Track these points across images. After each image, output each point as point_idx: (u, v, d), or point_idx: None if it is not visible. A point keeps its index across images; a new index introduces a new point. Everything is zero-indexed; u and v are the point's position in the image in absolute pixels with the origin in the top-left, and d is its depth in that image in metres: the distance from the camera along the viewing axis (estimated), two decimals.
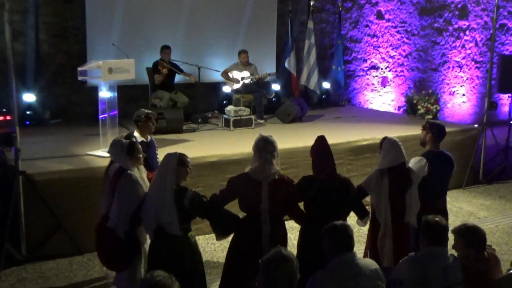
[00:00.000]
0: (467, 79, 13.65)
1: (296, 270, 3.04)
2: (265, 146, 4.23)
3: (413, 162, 4.95)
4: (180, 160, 4.13)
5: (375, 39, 12.79)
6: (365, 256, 4.89)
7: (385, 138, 4.83)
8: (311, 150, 4.61)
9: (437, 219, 3.86)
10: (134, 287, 4.36)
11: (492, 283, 3.71)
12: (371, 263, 3.59)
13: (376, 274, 3.52)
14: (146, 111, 5.71)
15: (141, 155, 4.63)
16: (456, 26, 13.32)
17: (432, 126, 5.26)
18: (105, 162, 6.50)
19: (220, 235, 4.36)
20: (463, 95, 13.70)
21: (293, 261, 3.05)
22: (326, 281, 3.41)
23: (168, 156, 4.17)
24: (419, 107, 10.51)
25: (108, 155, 6.70)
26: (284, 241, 4.37)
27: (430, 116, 10.31)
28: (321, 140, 4.58)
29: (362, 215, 4.69)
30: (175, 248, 4.10)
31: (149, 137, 5.71)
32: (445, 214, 5.06)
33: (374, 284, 3.47)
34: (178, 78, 9.53)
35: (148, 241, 4.39)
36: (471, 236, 3.79)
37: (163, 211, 4.03)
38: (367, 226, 4.86)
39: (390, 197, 4.63)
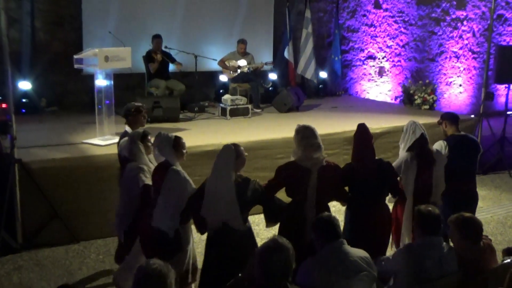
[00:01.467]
0: (464, 69, 13.63)
1: (291, 258, 3.05)
2: (309, 135, 4.34)
3: (435, 147, 5.23)
4: (237, 152, 4.12)
5: (372, 28, 12.76)
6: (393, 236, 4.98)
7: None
8: (353, 137, 4.75)
9: (429, 208, 3.87)
10: None
11: (487, 273, 3.73)
12: (361, 252, 3.61)
13: (366, 262, 3.54)
14: (137, 104, 5.48)
15: (185, 151, 4.45)
16: (453, 16, 13.28)
17: (443, 116, 5.67)
18: (101, 151, 6.53)
19: (272, 223, 4.44)
20: (460, 85, 13.69)
21: (289, 249, 3.06)
22: (316, 267, 3.45)
23: (224, 150, 4.15)
24: (416, 97, 10.52)
25: (104, 143, 6.75)
26: None
27: (426, 107, 10.32)
28: (362, 128, 4.71)
29: (395, 194, 4.94)
30: (239, 242, 4.03)
31: None
32: (473, 196, 5.46)
33: (363, 269, 3.49)
34: (173, 66, 9.50)
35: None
36: (468, 227, 3.79)
37: (225, 207, 4.01)
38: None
39: (417, 177, 4.84)
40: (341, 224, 4.47)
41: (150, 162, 4.65)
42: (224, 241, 4.03)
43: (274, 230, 4.63)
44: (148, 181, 4.45)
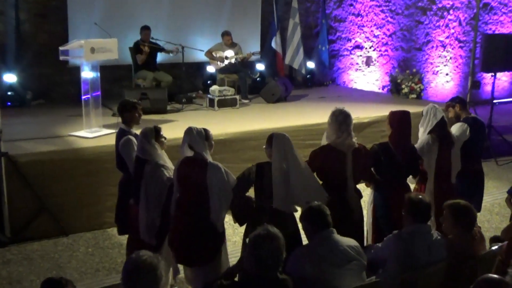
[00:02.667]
0: (450, 58, 13.70)
1: (282, 247, 3.07)
2: (345, 119, 4.45)
3: (456, 128, 5.44)
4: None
5: (359, 18, 12.76)
6: None
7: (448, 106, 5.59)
8: (392, 121, 4.86)
9: (420, 196, 3.90)
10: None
11: (475, 259, 3.76)
12: (350, 240, 3.63)
13: (356, 251, 3.56)
14: (132, 100, 5.32)
15: (213, 142, 4.44)
16: (440, 5, 13.33)
17: (455, 99, 5.91)
18: (89, 143, 6.49)
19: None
20: (447, 74, 13.77)
21: (280, 238, 3.08)
22: (306, 256, 3.46)
23: (278, 138, 4.21)
24: (403, 86, 10.56)
25: (92, 136, 6.71)
26: (361, 207, 4.65)
27: (414, 96, 10.37)
28: (407, 116, 4.86)
29: (416, 175, 5.11)
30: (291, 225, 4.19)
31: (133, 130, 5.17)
32: (482, 175, 5.81)
33: (353, 258, 3.51)
34: (161, 57, 9.44)
35: None
36: (463, 215, 3.81)
37: (306, 189, 4.16)
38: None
39: (438, 159, 5.07)
40: (364, 206, 4.77)
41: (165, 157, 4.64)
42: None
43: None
44: (172, 178, 4.42)
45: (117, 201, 5.14)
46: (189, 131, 4.31)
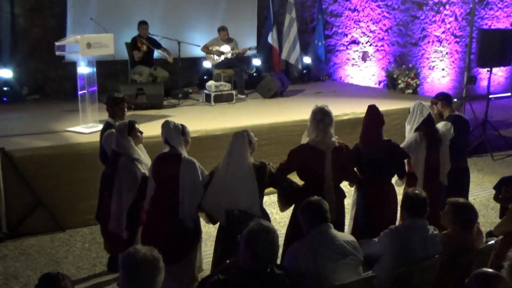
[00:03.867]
0: (446, 53, 13.72)
1: (277, 240, 3.09)
2: (323, 118, 4.38)
3: (439, 127, 5.34)
4: (249, 137, 4.19)
5: (355, 13, 12.76)
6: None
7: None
8: (364, 119, 4.89)
9: (416, 191, 3.91)
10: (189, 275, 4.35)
11: (472, 253, 3.78)
12: (347, 236, 3.65)
13: (352, 246, 3.56)
14: (116, 94, 5.41)
15: (189, 138, 4.45)
16: (436, 0, 13.33)
17: (438, 96, 5.84)
18: (85, 138, 6.49)
19: (286, 206, 4.47)
20: (443, 69, 13.79)
21: (274, 231, 3.10)
22: (302, 250, 3.47)
23: (237, 137, 4.17)
24: (399, 81, 10.57)
25: (88, 131, 6.70)
26: (342, 208, 4.57)
27: (410, 91, 10.37)
28: (373, 109, 4.83)
29: (401, 176, 5.01)
30: None
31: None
32: (468, 174, 5.79)
33: (349, 252, 3.52)
34: (157, 53, 9.42)
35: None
36: (463, 213, 3.85)
37: (243, 193, 4.06)
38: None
39: (426, 157, 5.01)
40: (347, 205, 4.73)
41: (140, 152, 4.67)
42: (240, 229, 3.80)
43: (287, 213, 4.66)
44: (145, 172, 4.47)
45: (99, 192, 5.21)
46: (166, 125, 4.34)
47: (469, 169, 5.87)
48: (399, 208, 4.51)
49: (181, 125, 4.37)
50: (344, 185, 4.73)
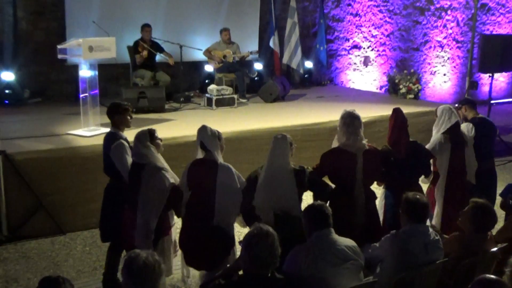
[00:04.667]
0: (448, 58, 13.72)
1: (277, 244, 3.08)
2: (353, 121, 4.47)
3: (462, 128, 5.53)
4: (290, 140, 4.25)
5: (357, 18, 12.77)
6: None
7: (438, 107, 5.50)
8: (389, 121, 4.98)
9: (417, 196, 3.90)
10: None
11: (476, 258, 3.77)
12: (348, 241, 3.63)
13: (353, 251, 3.56)
14: (122, 102, 5.02)
15: (224, 146, 4.42)
16: (438, 6, 13.34)
17: (462, 101, 6.08)
18: (86, 142, 6.48)
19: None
20: (444, 74, 13.78)
21: (274, 236, 3.10)
22: (303, 254, 3.47)
23: (278, 140, 4.22)
24: (400, 86, 10.57)
25: (89, 134, 6.70)
26: (375, 210, 4.65)
27: (411, 96, 10.37)
28: (398, 112, 4.91)
29: (427, 174, 5.24)
30: (298, 230, 3.92)
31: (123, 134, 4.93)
32: (493, 174, 5.96)
33: (350, 257, 3.51)
34: (160, 56, 9.43)
35: None
36: (481, 216, 3.85)
37: (284, 195, 4.11)
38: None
39: (450, 158, 5.23)
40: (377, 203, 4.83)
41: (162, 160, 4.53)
42: (284, 230, 3.75)
43: None
44: (173, 181, 4.36)
45: (102, 207, 4.92)
46: (203, 130, 4.32)
47: (495, 170, 6.05)
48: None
49: (217, 131, 4.37)
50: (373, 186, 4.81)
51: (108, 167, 4.79)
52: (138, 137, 4.40)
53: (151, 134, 4.43)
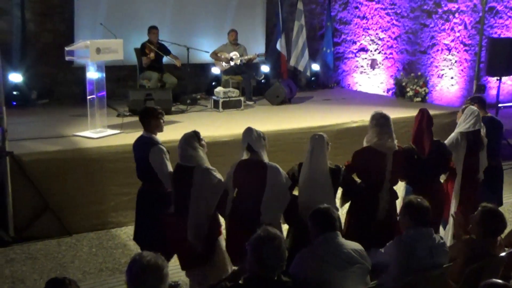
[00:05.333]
0: (455, 62, 13.66)
1: (283, 247, 3.07)
2: (385, 122, 4.67)
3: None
4: (327, 139, 4.38)
5: (364, 21, 12.75)
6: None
7: (467, 106, 5.61)
8: (415, 120, 5.09)
9: (419, 200, 3.88)
10: None
11: (483, 262, 3.75)
12: (354, 244, 3.62)
13: (359, 254, 3.55)
14: (155, 107, 4.99)
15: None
16: (445, 9, 13.29)
17: (474, 99, 6.14)
18: (93, 143, 6.50)
19: (346, 202, 4.73)
20: (452, 78, 13.72)
21: (280, 238, 3.09)
22: (309, 257, 3.46)
23: (316, 139, 4.34)
24: (407, 89, 10.55)
25: (96, 136, 6.72)
26: (395, 208, 4.74)
27: (418, 99, 10.35)
28: (425, 112, 5.02)
29: (445, 171, 5.39)
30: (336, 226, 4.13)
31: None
32: (501, 170, 6.22)
33: (356, 261, 3.50)
34: (167, 58, 9.45)
35: None
36: (491, 220, 3.85)
37: (322, 193, 4.24)
38: None
39: (466, 156, 5.37)
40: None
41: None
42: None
43: None
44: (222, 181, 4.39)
45: (136, 213, 4.88)
46: (249, 131, 4.38)
47: (501, 167, 6.25)
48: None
49: (261, 132, 4.44)
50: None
51: (143, 172, 4.74)
52: (186, 139, 4.39)
53: (198, 136, 4.45)
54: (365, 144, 4.76)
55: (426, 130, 4.96)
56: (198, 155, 4.35)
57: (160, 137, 4.86)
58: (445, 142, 5.36)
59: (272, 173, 4.24)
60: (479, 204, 4.06)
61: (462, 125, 5.46)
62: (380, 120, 4.68)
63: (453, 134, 5.50)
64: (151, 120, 4.74)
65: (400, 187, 5.12)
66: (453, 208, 5.43)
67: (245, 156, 4.40)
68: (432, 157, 4.92)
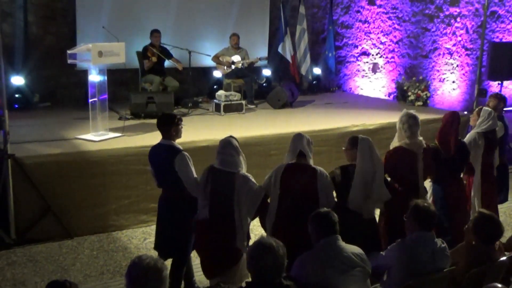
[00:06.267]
0: (457, 66, 13.67)
1: (281, 256, 3.04)
2: (415, 122, 4.86)
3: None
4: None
5: (366, 25, 12.76)
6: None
7: (481, 108, 5.90)
8: (442, 120, 5.31)
9: (426, 204, 3.89)
10: None
11: (484, 267, 3.74)
12: (355, 248, 3.63)
13: (360, 258, 3.56)
14: (174, 113, 5.01)
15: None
16: (447, 13, 13.30)
17: (502, 97, 6.67)
18: (95, 146, 6.51)
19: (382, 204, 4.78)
20: (453, 82, 13.72)
21: (279, 247, 3.06)
22: (310, 261, 3.48)
23: (364, 141, 4.48)
24: (409, 93, 10.55)
25: (98, 139, 6.73)
26: None
27: (420, 103, 10.35)
28: (457, 115, 5.26)
29: (463, 169, 5.59)
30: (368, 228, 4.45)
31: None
32: (505, 167, 6.58)
33: (357, 264, 3.51)
34: (169, 62, 9.46)
35: None
36: (487, 228, 3.85)
37: (375, 191, 4.46)
38: None
39: (484, 155, 5.70)
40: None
41: None
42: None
43: None
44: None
45: (158, 222, 4.80)
46: (301, 137, 4.50)
47: (507, 164, 6.67)
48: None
49: (310, 137, 4.58)
50: None
51: (166, 179, 4.68)
52: (231, 144, 4.44)
53: (238, 141, 4.53)
54: (395, 144, 4.96)
55: (454, 131, 5.17)
56: (241, 161, 4.40)
57: (158, 141, 4.84)
58: (464, 140, 5.62)
59: (321, 178, 4.35)
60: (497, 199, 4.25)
61: (481, 126, 5.74)
62: (410, 121, 4.84)
63: (471, 134, 5.78)
64: (171, 126, 4.67)
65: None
66: (476, 206, 5.67)
67: (289, 160, 4.46)
68: (456, 156, 5.16)
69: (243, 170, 4.39)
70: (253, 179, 4.37)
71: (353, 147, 4.51)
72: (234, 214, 4.28)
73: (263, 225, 4.63)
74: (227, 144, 4.43)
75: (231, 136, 4.54)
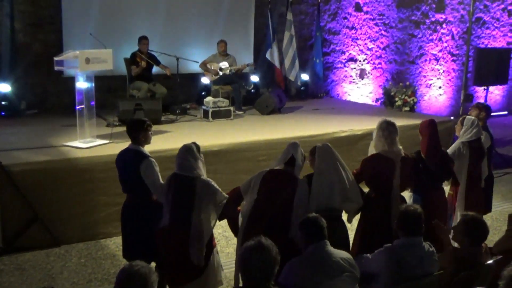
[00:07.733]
0: (443, 71, 13.79)
1: (272, 259, 3.02)
2: (394, 129, 4.80)
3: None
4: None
5: (353, 31, 12.85)
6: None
7: (465, 117, 5.81)
8: (421, 129, 5.29)
9: (411, 208, 3.91)
10: None
11: (472, 271, 3.76)
12: (343, 253, 3.64)
13: (349, 263, 3.57)
14: (143, 118, 4.93)
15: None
16: (433, 19, 13.44)
17: (485, 107, 6.60)
18: (83, 153, 6.49)
19: (355, 213, 4.76)
20: (440, 87, 13.85)
21: (270, 251, 3.03)
22: (299, 266, 3.48)
23: (327, 149, 4.48)
24: (396, 99, 10.61)
25: (85, 146, 6.70)
26: None
27: (407, 108, 10.41)
28: (434, 124, 5.21)
29: (448, 178, 5.62)
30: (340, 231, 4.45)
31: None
32: (492, 178, 6.55)
33: (346, 269, 3.52)
34: (156, 68, 9.46)
35: None
36: (475, 228, 3.86)
37: (349, 195, 4.47)
38: None
39: (469, 164, 5.60)
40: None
41: None
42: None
43: None
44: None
45: (123, 229, 4.74)
46: (297, 146, 4.46)
47: (492, 175, 6.59)
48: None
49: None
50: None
51: (131, 185, 4.63)
52: (188, 149, 4.37)
53: (198, 147, 4.45)
54: (372, 151, 4.89)
55: (437, 141, 5.16)
56: (198, 166, 4.33)
57: (149, 147, 4.83)
58: (448, 151, 5.54)
59: (301, 188, 4.29)
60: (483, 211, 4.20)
61: (465, 135, 5.66)
62: (389, 128, 4.79)
63: (455, 144, 5.70)
64: (140, 132, 4.65)
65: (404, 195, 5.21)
66: (459, 216, 5.46)
67: (276, 166, 4.42)
68: (437, 166, 5.08)
69: (204, 175, 4.34)
70: (215, 184, 4.31)
71: (313, 156, 4.51)
72: (191, 221, 4.17)
73: (231, 227, 4.60)
74: (183, 149, 4.39)
75: (193, 143, 4.47)
